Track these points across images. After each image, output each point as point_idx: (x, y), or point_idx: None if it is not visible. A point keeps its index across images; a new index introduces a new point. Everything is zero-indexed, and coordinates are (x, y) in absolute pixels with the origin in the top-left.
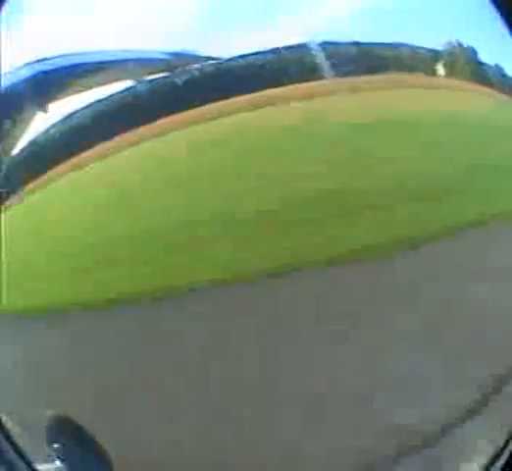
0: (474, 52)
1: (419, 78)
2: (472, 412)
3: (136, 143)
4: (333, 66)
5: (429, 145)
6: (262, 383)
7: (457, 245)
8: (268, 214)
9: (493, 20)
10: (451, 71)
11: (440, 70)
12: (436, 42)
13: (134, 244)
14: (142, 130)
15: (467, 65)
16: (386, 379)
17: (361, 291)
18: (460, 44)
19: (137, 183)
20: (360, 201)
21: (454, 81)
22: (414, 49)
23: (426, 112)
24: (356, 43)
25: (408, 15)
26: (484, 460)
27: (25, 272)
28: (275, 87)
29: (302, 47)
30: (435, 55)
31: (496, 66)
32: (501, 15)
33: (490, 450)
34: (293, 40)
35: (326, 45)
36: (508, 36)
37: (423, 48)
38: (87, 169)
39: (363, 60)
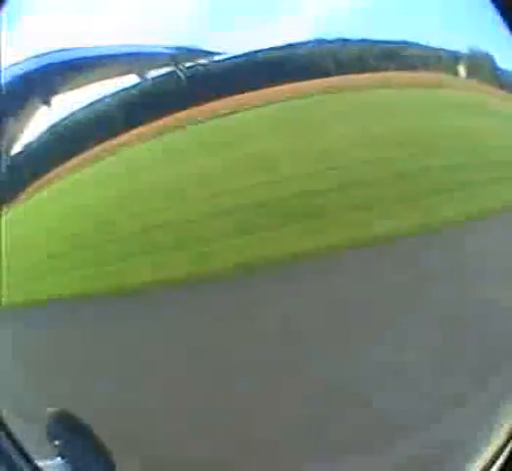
0: (491, 57)
1: (443, 77)
2: (456, 404)
3: (139, 142)
4: (351, 62)
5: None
6: (265, 376)
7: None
8: (276, 206)
9: (496, 22)
10: (472, 73)
11: (462, 71)
12: (441, 43)
13: (133, 241)
14: (145, 128)
15: (485, 68)
16: (375, 368)
17: (363, 285)
18: (478, 48)
19: (141, 182)
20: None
21: (475, 83)
22: (436, 50)
23: (450, 109)
24: (377, 41)
25: (412, 16)
26: (484, 459)
27: (26, 269)
28: (280, 84)
29: (312, 43)
30: (455, 57)
31: (507, 71)
32: (502, 16)
33: (491, 450)
34: (297, 37)
35: (341, 42)
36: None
37: (444, 50)
38: (89, 168)
39: (388, 57)
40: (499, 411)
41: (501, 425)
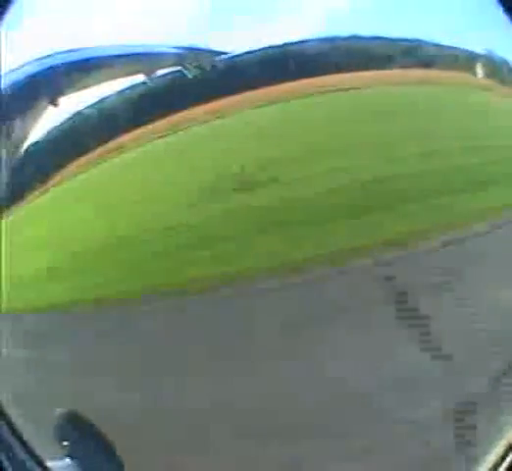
0: (506, 58)
1: (461, 75)
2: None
3: (142, 143)
4: (362, 59)
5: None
6: (267, 375)
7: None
8: (284, 207)
9: (506, 24)
10: (489, 73)
11: (480, 71)
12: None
13: (135, 247)
14: (148, 128)
15: (501, 69)
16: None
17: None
18: (494, 50)
19: (142, 186)
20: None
21: (492, 83)
22: (452, 49)
23: (466, 108)
24: (390, 38)
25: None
26: (491, 460)
27: (29, 273)
28: (289, 81)
29: (325, 40)
30: (472, 56)
31: None
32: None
33: (498, 450)
34: (298, 34)
35: (355, 39)
36: None
37: (460, 49)
38: (94, 170)
39: (401, 55)
40: (508, 411)
41: (510, 425)
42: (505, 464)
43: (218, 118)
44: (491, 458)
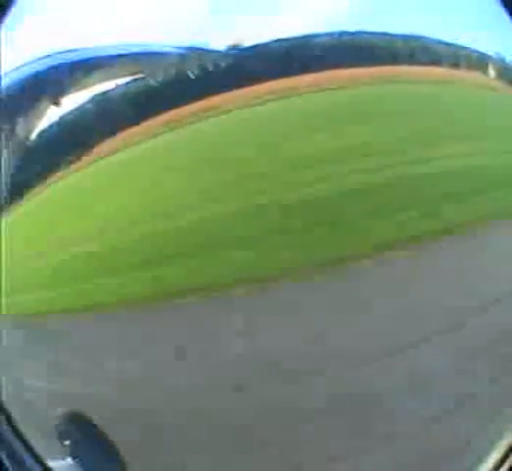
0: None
1: (474, 75)
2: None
3: (142, 140)
4: (370, 55)
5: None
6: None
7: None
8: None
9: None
10: (500, 74)
11: (492, 72)
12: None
13: (133, 251)
14: (147, 126)
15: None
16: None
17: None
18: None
19: (143, 184)
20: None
21: (500, 84)
22: (461, 48)
23: (475, 107)
24: (397, 35)
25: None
26: (494, 459)
27: (29, 274)
28: (294, 76)
29: (331, 35)
30: (483, 56)
31: None
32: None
33: (500, 450)
34: (302, 31)
35: (362, 34)
36: None
37: (470, 48)
38: (92, 167)
39: (408, 52)
40: (508, 411)
41: (510, 425)
42: (506, 466)
43: (216, 115)
44: (492, 460)
